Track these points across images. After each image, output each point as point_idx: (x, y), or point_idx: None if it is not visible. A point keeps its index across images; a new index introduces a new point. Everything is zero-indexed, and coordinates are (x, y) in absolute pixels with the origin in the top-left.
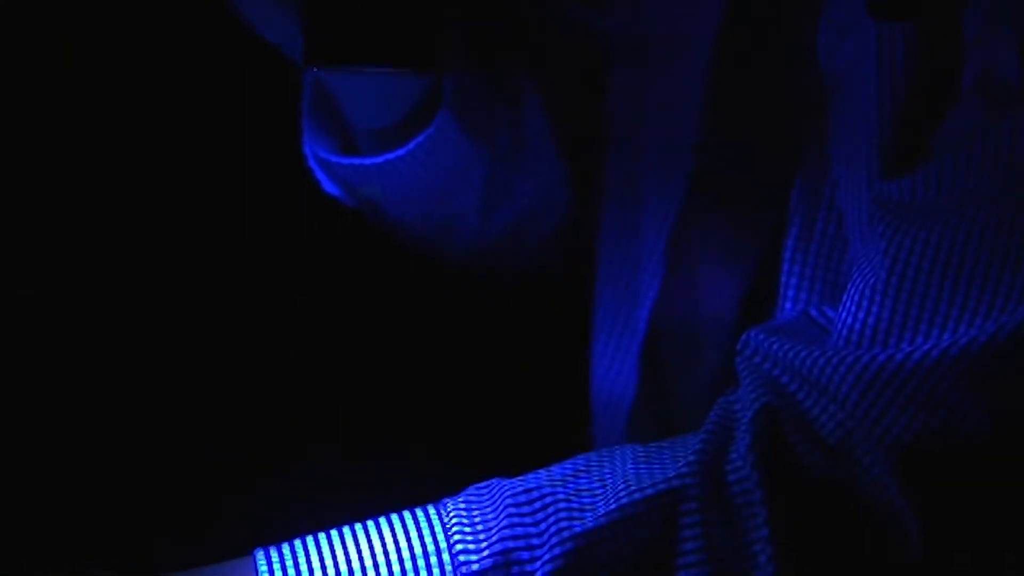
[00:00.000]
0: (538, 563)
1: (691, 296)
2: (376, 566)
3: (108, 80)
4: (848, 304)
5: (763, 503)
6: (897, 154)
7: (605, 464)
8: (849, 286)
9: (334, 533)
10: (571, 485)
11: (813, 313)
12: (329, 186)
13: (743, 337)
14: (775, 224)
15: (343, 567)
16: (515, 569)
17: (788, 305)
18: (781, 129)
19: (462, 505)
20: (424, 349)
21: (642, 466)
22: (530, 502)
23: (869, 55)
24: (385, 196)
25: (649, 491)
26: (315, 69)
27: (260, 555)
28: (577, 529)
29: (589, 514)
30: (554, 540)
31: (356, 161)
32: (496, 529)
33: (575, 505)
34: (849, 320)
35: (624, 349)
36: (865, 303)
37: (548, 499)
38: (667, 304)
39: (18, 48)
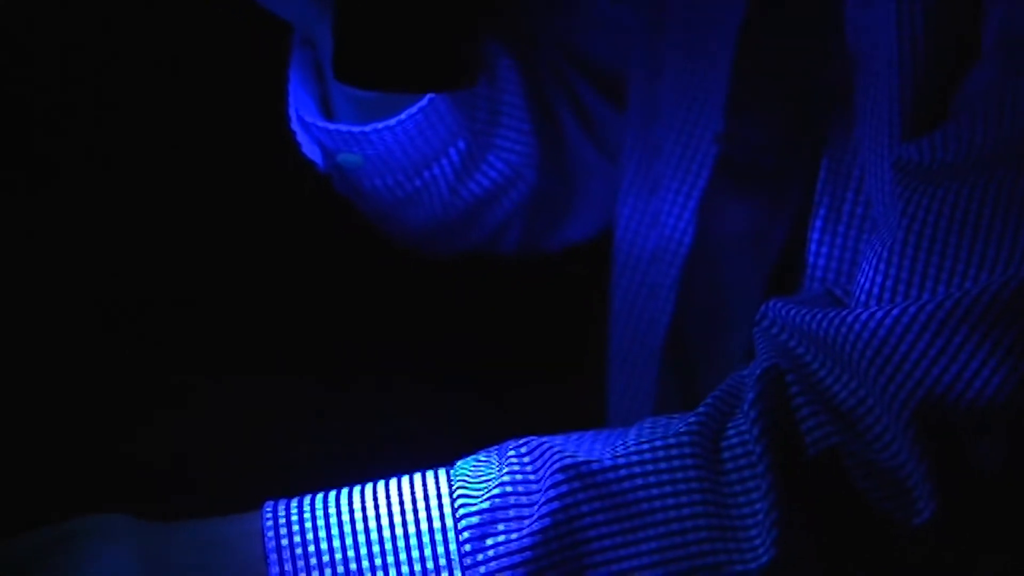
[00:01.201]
0: (535, 507)
1: (715, 282)
2: (378, 515)
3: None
4: (866, 268)
5: (762, 458)
6: (916, 116)
7: (615, 433)
8: (867, 251)
9: (344, 489)
10: (573, 440)
11: (837, 292)
12: (309, 149)
13: (762, 308)
14: (801, 206)
15: (345, 516)
16: (513, 512)
17: (816, 287)
18: (807, 114)
19: (471, 460)
20: (433, 341)
21: (646, 429)
22: (530, 452)
23: (890, 17)
24: (364, 164)
25: (645, 445)
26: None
27: (268, 506)
28: (569, 462)
29: (583, 457)
30: (548, 482)
31: (345, 128)
32: (496, 477)
33: (570, 451)
34: (867, 284)
35: (644, 340)
36: (883, 265)
37: (545, 447)
38: (690, 291)
39: (18, 46)
